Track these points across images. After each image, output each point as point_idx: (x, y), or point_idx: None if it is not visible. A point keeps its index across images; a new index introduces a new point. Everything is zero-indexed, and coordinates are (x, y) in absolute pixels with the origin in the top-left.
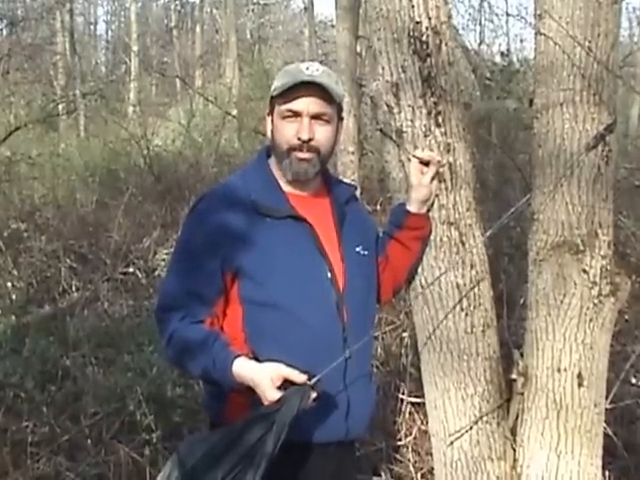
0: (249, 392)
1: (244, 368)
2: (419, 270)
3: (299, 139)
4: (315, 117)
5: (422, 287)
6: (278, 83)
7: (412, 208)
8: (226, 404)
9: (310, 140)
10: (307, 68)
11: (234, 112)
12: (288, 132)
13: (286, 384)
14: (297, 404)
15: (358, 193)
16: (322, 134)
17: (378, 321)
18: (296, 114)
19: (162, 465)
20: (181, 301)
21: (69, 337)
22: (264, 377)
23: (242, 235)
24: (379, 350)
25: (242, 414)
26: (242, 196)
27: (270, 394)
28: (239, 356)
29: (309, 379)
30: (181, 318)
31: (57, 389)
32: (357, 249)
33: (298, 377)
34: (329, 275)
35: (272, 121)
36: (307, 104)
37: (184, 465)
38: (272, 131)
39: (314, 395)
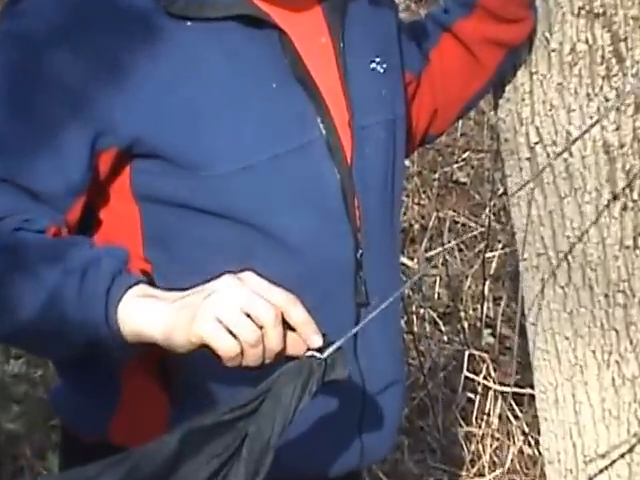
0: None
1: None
2: (524, 116)
3: None
4: None
5: (532, 152)
6: None
7: None
8: (118, 403)
9: None
10: None
11: None
12: None
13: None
14: (297, 396)
15: None
16: None
17: (438, 230)
18: None
19: None
20: None
21: None
22: (231, 292)
23: (138, 65)
24: (437, 287)
25: (158, 426)
26: None
27: (245, 332)
28: (141, 283)
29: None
30: None
31: None
32: (372, 65)
33: (307, 327)
34: (323, 131)
35: None
36: None
37: None
38: None
39: (334, 376)
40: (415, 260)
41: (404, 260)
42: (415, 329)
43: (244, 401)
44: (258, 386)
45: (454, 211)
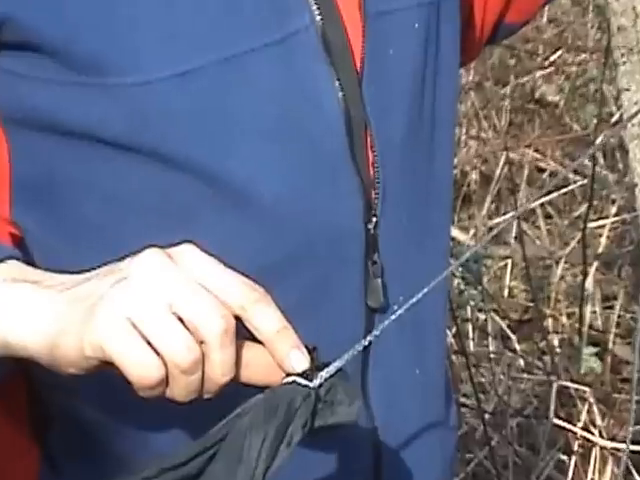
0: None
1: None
2: None
3: None
4: None
5: None
6: None
7: None
8: None
9: None
10: None
11: None
12: None
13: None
14: (268, 449)
15: None
16: None
17: (509, 182)
18: None
19: None
20: None
21: None
22: (154, 277)
23: None
24: (507, 279)
25: None
26: None
27: (174, 347)
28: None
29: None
30: None
31: None
32: None
33: (283, 339)
34: (316, 17)
35: None
36: None
37: None
38: None
39: (330, 420)
40: (471, 232)
41: (453, 232)
42: (470, 347)
43: (182, 458)
44: (205, 432)
45: (536, 150)
